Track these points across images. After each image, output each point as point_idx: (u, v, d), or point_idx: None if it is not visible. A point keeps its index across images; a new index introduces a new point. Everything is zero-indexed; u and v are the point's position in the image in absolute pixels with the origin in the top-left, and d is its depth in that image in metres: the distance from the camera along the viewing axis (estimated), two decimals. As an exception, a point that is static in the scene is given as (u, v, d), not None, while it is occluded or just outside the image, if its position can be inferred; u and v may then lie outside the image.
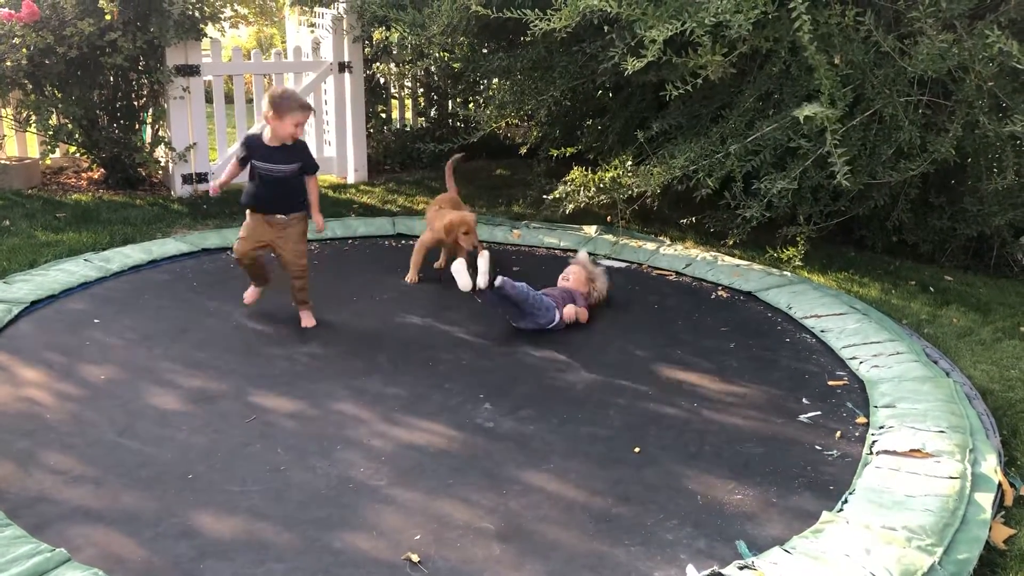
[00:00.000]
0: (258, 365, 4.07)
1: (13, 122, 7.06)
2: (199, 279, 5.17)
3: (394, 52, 8.30)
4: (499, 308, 4.51)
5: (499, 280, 4.34)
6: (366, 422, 3.57)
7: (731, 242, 5.66)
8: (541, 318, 4.48)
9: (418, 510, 2.97)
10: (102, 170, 7.31)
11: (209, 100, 7.31)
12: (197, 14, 6.77)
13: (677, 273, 5.51)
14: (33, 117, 6.60)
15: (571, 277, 4.86)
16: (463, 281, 4.39)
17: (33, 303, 4.63)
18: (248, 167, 4.40)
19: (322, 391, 3.83)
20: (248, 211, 4.47)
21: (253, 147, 4.37)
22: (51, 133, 6.74)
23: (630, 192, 5.51)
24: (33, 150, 7.52)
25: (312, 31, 7.84)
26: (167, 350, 4.19)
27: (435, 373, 4.04)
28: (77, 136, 6.86)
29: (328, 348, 4.30)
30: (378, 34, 7.91)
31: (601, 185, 5.82)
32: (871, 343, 4.30)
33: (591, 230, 6.26)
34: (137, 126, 7.20)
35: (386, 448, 3.37)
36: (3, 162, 7.04)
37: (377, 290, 5.06)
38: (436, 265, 5.40)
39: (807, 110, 4.36)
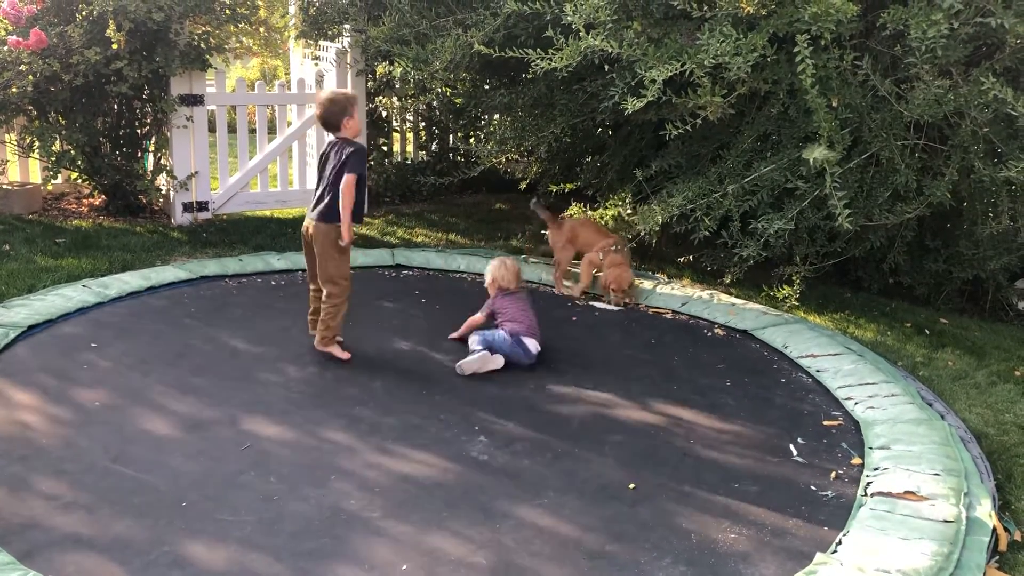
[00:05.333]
0: (253, 392, 4.07)
1: (16, 147, 7.11)
2: (197, 306, 5.17)
3: (397, 86, 8.38)
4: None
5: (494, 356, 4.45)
6: (360, 452, 3.56)
7: (728, 280, 5.68)
8: (525, 357, 4.52)
9: (410, 543, 2.96)
10: (103, 197, 7.34)
11: (212, 129, 7.37)
12: (203, 45, 6.85)
13: (674, 311, 5.53)
14: (36, 143, 6.64)
15: (490, 278, 4.85)
16: (497, 361, 4.44)
17: (30, 327, 4.63)
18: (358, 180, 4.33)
19: (317, 419, 3.83)
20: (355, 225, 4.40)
21: None
22: (54, 159, 6.78)
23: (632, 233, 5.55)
24: (35, 175, 7.56)
25: (316, 64, 7.92)
26: (162, 376, 4.19)
27: (431, 404, 4.04)
28: (80, 163, 6.90)
29: (324, 376, 4.30)
30: (381, 69, 8.01)
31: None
32: (866, 384, 4.31)
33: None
34: (139, 154, 7.24)
35: (379, 479, 3.36)
36: (5, 187, 7.07)
37: (374, 319, 5.06)
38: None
39: (815, 152, 4.41)
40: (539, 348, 4.56)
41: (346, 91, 4.55)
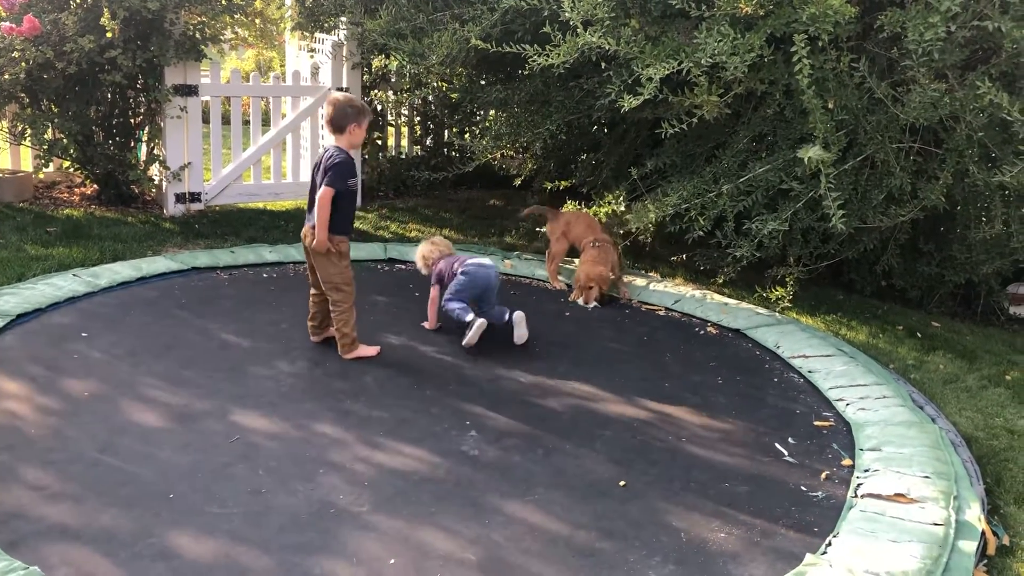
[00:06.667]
0: (243, 385, 4.04)
1: (8, 135, 7.06)
2: (187, 297, 5.14)
3: (392, 80, 8.35)
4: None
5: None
6: (350, 446, 3.54)
7: (721, 280, 5.67)
8: (483, 269, 4.82)
9: (399, 538, 2.95)
10: (95, 186, 7.30)
11: (205, 120, 7.33)
12: (198, 35, 6.81)
13: (667, 308, 5.52)
14: (29, 131, 6.59)
15: (420, 261, 5.13)
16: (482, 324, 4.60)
17: (19, 316, 4.60)
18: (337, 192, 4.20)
19: (306, 412, 3.81)
20: (345, 241, 4.33)
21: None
22: (46, 147, 6.74)
23: (624, 228, 5.54)
24: (27, 163, 7.50)
25: (312, 56, 7.89)
26: (152, 367, 4.16)
27: (421, 398, 4.02)
28: (72, 151, 6.84)
29: (314, 369, 4.28)
30: (377, 62, 7.98)
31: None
32: (858, 385, 4.31)
33: (582, 263, 6.27)
34: (132, 143, 7.20)
35: (369, 473, 3.34)
36: (-4, 174, 7.03)
37: (366, 313, 5.02)
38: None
39: (811, 151, 4.40)
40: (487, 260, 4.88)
41: (363, 102, 4.42)
